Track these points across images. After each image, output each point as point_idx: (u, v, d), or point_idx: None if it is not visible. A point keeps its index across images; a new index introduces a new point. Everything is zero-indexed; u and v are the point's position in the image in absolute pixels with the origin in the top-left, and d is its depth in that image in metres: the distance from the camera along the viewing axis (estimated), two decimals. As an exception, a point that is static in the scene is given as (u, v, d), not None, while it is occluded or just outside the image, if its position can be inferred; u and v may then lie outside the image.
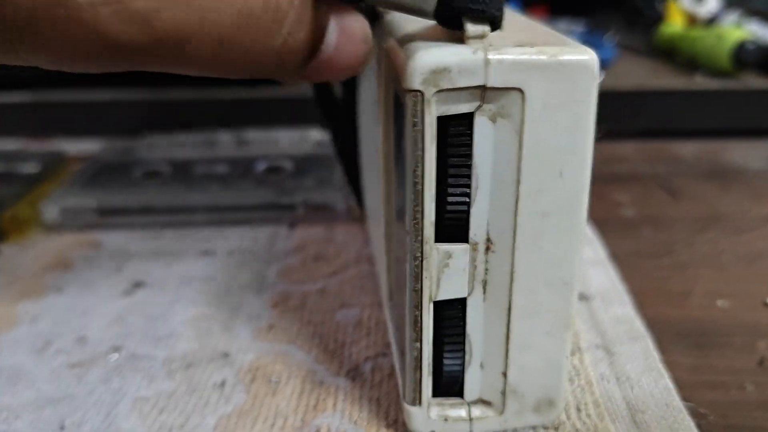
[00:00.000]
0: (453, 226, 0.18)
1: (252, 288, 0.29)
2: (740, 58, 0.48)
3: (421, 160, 0.16)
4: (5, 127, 0.49)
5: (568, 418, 0.21)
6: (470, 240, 0.18)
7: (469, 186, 0.17)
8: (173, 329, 0.26)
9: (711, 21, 0.60)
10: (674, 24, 0.61)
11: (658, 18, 0.63)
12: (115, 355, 0.25)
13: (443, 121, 0.16)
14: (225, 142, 0.44)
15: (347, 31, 0.18)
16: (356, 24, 0.19)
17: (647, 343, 0.25)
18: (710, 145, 0.47)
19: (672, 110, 0.48)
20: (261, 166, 0.40)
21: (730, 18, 0.59)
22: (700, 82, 0.50)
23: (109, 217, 0.35)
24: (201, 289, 0.29)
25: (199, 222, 0.35)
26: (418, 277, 0.18)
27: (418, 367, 0.19)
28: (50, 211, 0.34)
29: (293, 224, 0.35)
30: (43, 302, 0.28)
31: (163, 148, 0.43)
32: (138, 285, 0.29)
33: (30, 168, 0.40)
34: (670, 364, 0.24)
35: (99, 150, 0.43)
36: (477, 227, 0.18)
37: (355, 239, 0.33)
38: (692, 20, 0.62)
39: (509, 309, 0.18)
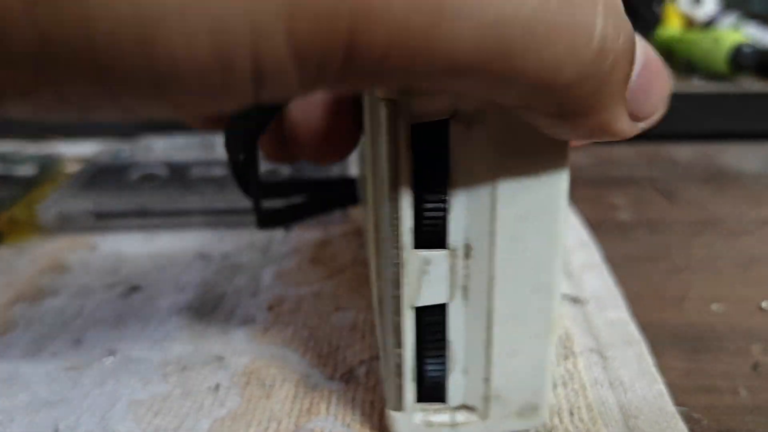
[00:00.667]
0: (431, 233, 0.18)
1: (247, 291, 0.29)
2: (737, 62, 0.49)
3: (395, 168, 0.16)
4: (2, 130, 0.49)
5: (561, 422, 0.21)
6: (449, 246, 0.18)
7: (445, 192, 0.17)
8: (168, 332, 0.26)
9: (708, 24, 0.60)
10: (672, 27, 0.61)
11: (657, 21, 0.63)
12: (110, 358, 0.25)
13: (418, 128, 0.16)
14: (221, 144, 0.44)
15: (645, 49, 0.16)
16: (659, 61, 0.16)
17: (641, 348, 0.25)
18: (707, 148, 0.47)
19: (669, 113, 0.48)
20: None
21: (728, 21, 0.59)
22: (697, 85, 0.50)
23: (105, 220, 0.35)
24: (196, 292, 0.29)
25: (195, 225, 0.35)
26: (397, 284, 0.18)
27: (400, 372, 0.19)
28: (47, 214, 0.34)
29: (289, 227, 0.35)
30: (39, 305, 0.28)
31: (159, 150, 0.43)
32: (134, 288, 0.29)
33: (26, 170, 0.40)
34: (664, 369, 0.24)
35: (95, 153, 0.43)
36: (455, 233, 0.18)
37: (350, 242, 0.33)
38: (690, 23, 0.62)
39: (490, 314, 0.18)
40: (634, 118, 0.16)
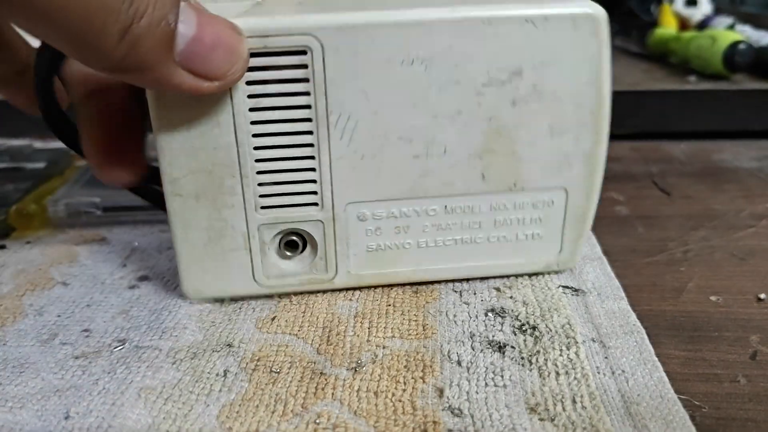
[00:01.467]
0: None
1: (254, 282, 0.30)
2: (733, 60, 0.49)
3: None
4: (12, 127, 0.49)
5: (564, 409, 0.21)
6: None
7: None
8: (178, 321, 0.26)
9: (703, 24, 0.61)
10: (668, 27, 0.62)
11: (653, 22, 0.64)
12: (120, 347, 0.25)
13: None
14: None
15: (208, 18, 0.20)
16: (219, 18, 0.21)
17: (642, 337, 0.25)
18: (703, 145, 0.48)
19: (666, 111, 0.49)
20: None
21: (724, 21, 0.59)
22: (693, 83, 0.50)
23: (113, 213, 0.35)
24: (204, 283, 0.29)
25: None
26: None
27: None
28: (56, 208, 0.35)
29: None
30: (49, 295, 0.29)
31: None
32: (143, 279, 0.30)
33: (36, 164, 0.40)
34: (664, 358, 0.24)
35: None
36: None
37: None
38: (685, 24, 0.63)
39: None
40: (200, 75, 0.21)
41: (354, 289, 0.29)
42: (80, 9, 0.17)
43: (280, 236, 0.27)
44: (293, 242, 0.27)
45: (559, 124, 0.26)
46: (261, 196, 0.26)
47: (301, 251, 0.28)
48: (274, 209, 0.26)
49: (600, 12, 0.25)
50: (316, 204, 0.26)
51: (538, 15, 0.24)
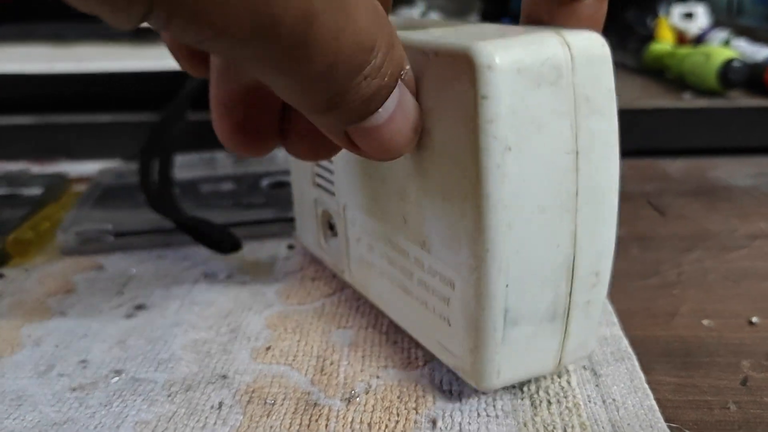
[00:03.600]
0: None
1: (251, 309, 0.30)
2: (727, 77, 0.49)
3: None
4: (8, 150, 0.49)
5: (556, 439, 0.22)
6: None
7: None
8: (173, 352, 0.27)
9: (700, 39, 0.61)
10: (664, 41, 0.62)
11: (649, 35, 0.64)
12: (116, 378, 0.25)
13: None
14: (222, 160, 0.45)
15: (403, 109, 0.19)
16: (413, 106, 0.20)
17: (633, 364, 0.25)
18: (698, 163, 0.48)
19: (661, 128, 0.49)
20: (266, 182, 0.41)
21: (719, 36, 0.60)
22: (688, 100, 0.51)
23: (124, 239, 0.36)
24: (201, 311, 0.30)
25: None
26: None
27: None
28: (66, 236, 0.35)
29: (291, 246, 0.36)
30: (46, 325, 0.29)
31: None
32: (139, 308, 0.30)
33: (33, 191, 0.40)
34: (655, 384, 0.24)
35: (97, 173, 0.44)
36: None
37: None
38: (682, 37, 0.63)
39: None
40: (353, 145, 0.19)
41: (357, 298, 0.29)
42: (332, 48, 0.16)
43: (321, 215, 0.30)
44: (331, 225, 0.30)
45: (448, 188, 0.21)
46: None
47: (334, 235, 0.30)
48: (318, 188, 0.29)
49: (488, 56, 0.18)
50: (333, 194, 0.27)
51: (431, 47, 0.20)
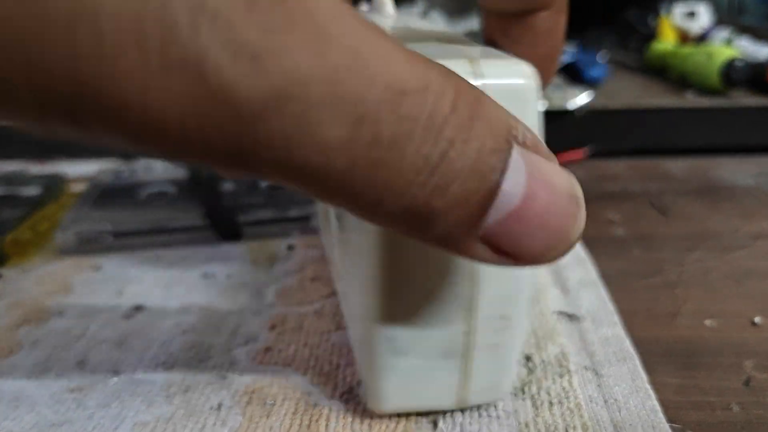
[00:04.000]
0: None
1: (250, 310, 0.30)
2: (729, 76, 0.49)
3: None
4: (6, 150, 0.49)
5: (557, 440, 0.22)
6: None
7: None
8: (172, 353, 0.26)
9: (702, 37, 0.61)
10: (666, 41, 0.62)
11: (651, 34, 0.64)
12: (115, 379, 0.25)
13: None
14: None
15: (541, 176, 0.14)
16: (556, 172, 0.14)
17: (635, 364, 0.25)
18: (701, 162, 0.48)
19: (663, 128, 0.49)
20: (265, 183, 0.41)
21: (722, 35, 0.60)
22: (690, 99, 0.50)
23: (124, 239, 0.35)
24: (200, 312, 0.29)
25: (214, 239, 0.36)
26: None
27: None
28: (65, 237, 0.35)
29: (291, 246, 0.36)
30: (44, 326, 0.29)
31: (159, 169, 0.44)
32: (138, 308, 0.30)
33: (31, 191, 0.40)
34: (658, 385, 0.24)
35: (95, 173, 0.44)
36: None
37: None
38: (684, 36, 0.63)
39: None
40: (503, 254, 0.14)
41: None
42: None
43: None
44: None
45: (354, 262, 0.22)
46: None
47: None
48: None
49: None
50: None
51: None
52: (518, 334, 0.22)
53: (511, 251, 0.14)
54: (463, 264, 0.20)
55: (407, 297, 0.20)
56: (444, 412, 0.23)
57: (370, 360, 0.21)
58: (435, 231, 0.13)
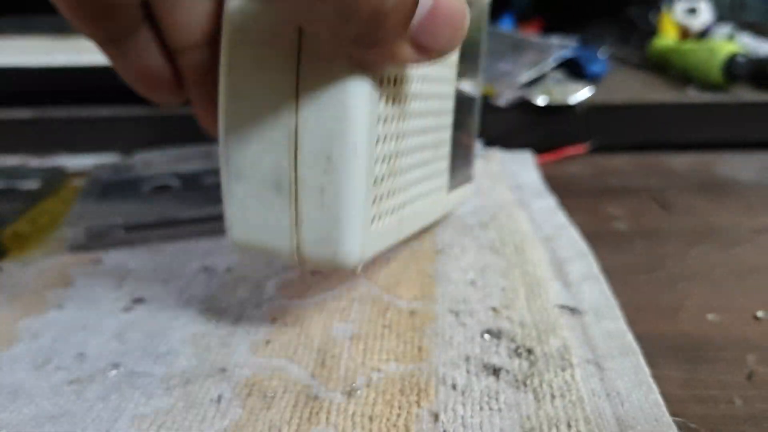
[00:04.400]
0: None
1: (251, 303, 0.30)
2: (731, 72, 0.49)
3: None
4: (6, 144, 0.49)
5: (559, 433, 0.21)
6: None
7: None
8: (172, 346, 0.26)
9: (703, 34, 0.60)
10: (667, 37, 0.62)
11: (652, 31, 0.64)
12: (114, 372, 0.25)
13: None
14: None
15: (441, 9, 0.20)
16: (450, 7, 0.20)
17: (638, 358, 0.25)
18: (703, 158, 0.48)
19: (665, 123, 0.49)
20: None
21: (723, 31, 0.59)
22: (692, 95, 0.50)
23: (135, 232, 0.35)
24: (200, 305, 0.29)
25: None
26: None
27: None
28: (75, 232, 0.35)
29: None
30: (44, 318, 0.29)
31: (159, 163, 0.44)
32: (138, 301, 0.30)
33: (30, 184, 0.40)
34: (660, 379, 0.24)
35: (94, 166, 0.44)
36: None
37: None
38: (685, 33, 0.63)
39: None
40: (421, 50, 0.20)
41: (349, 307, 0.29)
42: None
43: None
44: None
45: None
46: None
47: None
48: None
49: None
50: None
51: None
52: (348, 186, 0.22)
53: (427, 46, 0.20)
54: (286, 90, 0.22)
55: (241, 119, 0.22)
56: (445, 405, 0.23)
57: (222, 190, 0.24)
58: (378, 33, 0.18)
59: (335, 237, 0.22)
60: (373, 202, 0.24)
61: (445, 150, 0.31)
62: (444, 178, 0.32)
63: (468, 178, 0.37)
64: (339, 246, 0.23)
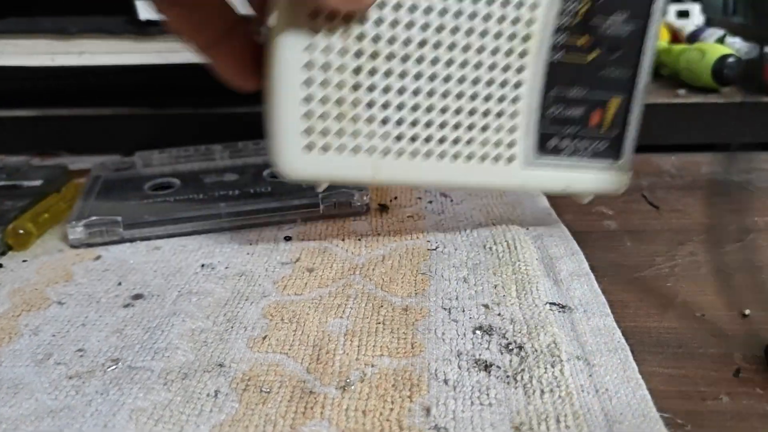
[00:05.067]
0: None
1: (248, 299, 0.30)
2: (722, 74, 0.49)
3: None
4: (9, 143, 0.50)
5: (548, 428, 0.22)
6: None
7: None
8: (170, 341, 0.27)
9: (694, 36, 0.61)
10: (660, 38, 0.62)
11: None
12: (114, 367, 0.25)
13: None
14: (219, 151, 0.45)
15: None
16: None
17: (626, 354, 0.25)
18: (693, 158, 0.48)
19: (656, 124, 0.49)
20: (267, 172, 0.41)
21: (714, 33, 0.60)
22: (683, 96, 0.51)
23: (135, 230, 0.36)
24: (198, 301, 0.30)
25: (225, 228, 0.37)
26: None
27: None
28: (75, 229, 0.35)
29: (289, 237, 0.36)
30: (45, 314, 0.29)
31: (159, 162, 0.44)
32: (137, 297, 0.30)
33: (33, 182, 0.40)
34: (648, 375, 0.24)
35: (93, 166, 0.44)
36: None
37: (348, 250, 0.34)
38: (676, 35, 0.63)
39: None
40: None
41: (345, 303, 0.29)
42: None
43: None
44: None
45: None
46: None
47: None
48: None
49: None
50: None
51: None
52: (273, 110, 0.28)
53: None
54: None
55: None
56: (437, 400, 0.23)
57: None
58: None
59: (274, 151, 0.29)
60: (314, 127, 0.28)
61: (514, 106, 0.30)
62: (510, 143, 0.31)
63: (603, 167, 0.33)
64: (277, 158, 0.29)
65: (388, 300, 0.30)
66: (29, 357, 0.26)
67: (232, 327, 0.28)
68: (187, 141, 0.47)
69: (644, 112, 0.49)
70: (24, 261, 0.34)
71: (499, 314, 0.28)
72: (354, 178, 0.30)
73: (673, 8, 0.66)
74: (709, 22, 0.66)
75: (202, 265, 0.33)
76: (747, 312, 0.29)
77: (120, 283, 0.32)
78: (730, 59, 0.49)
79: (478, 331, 0.27)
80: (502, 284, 0.30)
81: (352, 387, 0.24)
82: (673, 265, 0.33)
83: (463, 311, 0.29)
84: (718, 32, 0.59)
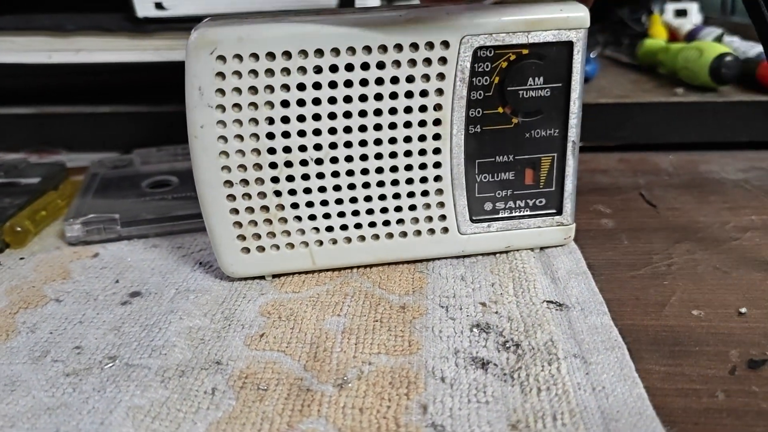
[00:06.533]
0: None
1: (245, 297, 0.30)
2: (719, 72, 0.49)
3: None
4: (7, 141, 0.50)
5: (545, 426, 0.22)
6: None
7: None
8: (168, 339, 0.27)
9: (692, 35, 0.61)
10: (658, 37, 0.62)
11: (642, 32, 0.64)
12: (111, 364, 0.25)
13: None
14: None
15: None
16: None
17: (623, 352, 0.26)
18: (691, 157, 0.48)
19: (654, 123, 0.49)
20: None
21: (711, 32, 0.60)
22: (681, 95, 0.51)
23: (132, 227, 0.36)
24: (196, 299, 0.30)
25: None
26: None
27: None
28: (72, 227, 0.35)
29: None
30: (42, 312, 0.29)
31: (158, 159, 0.44)
32: (134, 294, 0.30)
33: (31, 179, 0.40)
34: (645, 373, 0.24)
35: (90, 164, 0.44)
36: None
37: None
38: (675, 34, 0.63)
39: None
40: None
41: (343, 301, 0.29)
42: None
43: None
44: None
45: None
46: None
47: None
48: None
49: None
50: None
51: None
52: (204, 209, 0.30)
53: None
54: None
55: None
56: (434, 397, 0.23)
57: None
58: None
59: (216, 255, 0.31)
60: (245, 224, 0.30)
61: (438, 184, 0.31)
62: (441, 216, 0.31)
63: (545, 222, 0.33)
64: (219, 261, 0.31)
65: (386, 298, 0.30)
66: (26, 354, 0.26)
67: (229, 325, 0.28)
68: (184, 139, 0.46)
69: (642, 111, 0.49)
70: (21, 258, 0.34)
71: (496, 312, 0.28)
72: (296, 268, 0.31)
73: (672, 7, 0.66)
74: (707, 21, 0.66)
75: (199, 263, 0.33)
76: (743, 310, 0.29)
77: (117, 281, 0.32)
78: (728, 58, 0.49)
79: (475, 329, 0.27)
80: (499, 282, 0.31)
81: (349, 385, 0.24)
82: (670, 263, 0.33)
83: (461, 309, 0.29)
84: (716, 31, 0.59)
